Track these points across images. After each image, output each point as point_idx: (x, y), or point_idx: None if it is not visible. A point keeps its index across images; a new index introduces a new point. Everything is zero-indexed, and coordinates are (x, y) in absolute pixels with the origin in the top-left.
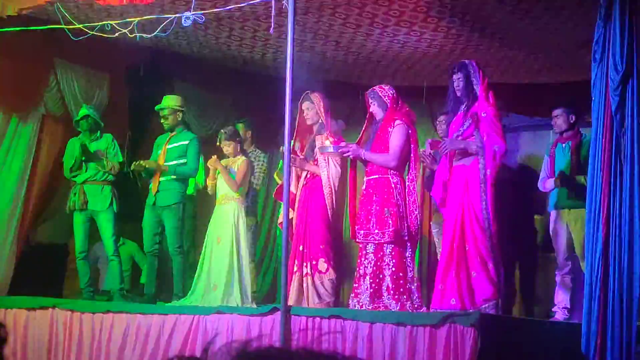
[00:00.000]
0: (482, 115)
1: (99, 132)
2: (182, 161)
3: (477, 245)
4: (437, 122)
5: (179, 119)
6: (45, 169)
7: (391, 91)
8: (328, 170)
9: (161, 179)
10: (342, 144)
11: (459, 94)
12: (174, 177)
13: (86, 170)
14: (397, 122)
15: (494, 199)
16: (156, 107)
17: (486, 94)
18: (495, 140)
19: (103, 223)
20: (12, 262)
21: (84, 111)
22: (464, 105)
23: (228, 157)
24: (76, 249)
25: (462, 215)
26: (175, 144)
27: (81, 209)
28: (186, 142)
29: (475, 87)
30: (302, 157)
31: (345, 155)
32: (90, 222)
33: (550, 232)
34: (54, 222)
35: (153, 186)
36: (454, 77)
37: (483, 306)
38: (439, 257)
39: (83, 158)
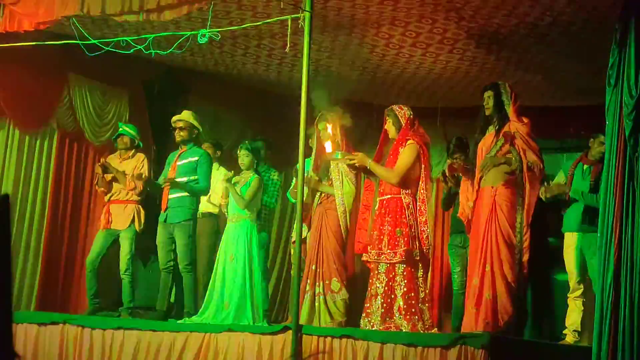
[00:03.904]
0: (516, 133)
1: (134, 150)
2: (192, 177)
3: (502, 267)
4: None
5: (193, 135)
6: (60, 185)
7: (408, 112)
8: (342, 190)
9: (171, 195)
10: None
11: (487, 112)
12: (185, 194)
13: (111, 189)
14: (410, 141)
15: (530, 218)
16: (173, 119)
17: (518, 114)
18: (532, 157)
19: (122, 241)
20: (35, 279)
21: (121, 129)
22: (494, 126)
23: (241, 171)
24: (87, 260)
25: (490, 236)
26: (186, 161)
27: (104, 227)
28: (196, 159)
29: (505, 107)
30: (316, 177)
31: (351, 162)
32: (111, 238)
33: (564, 255)
34: (77, 238)
35: (162, 203)
36: (484, 94)
37: (505, 328)
38: (455, 278)
39: (106, 178)
